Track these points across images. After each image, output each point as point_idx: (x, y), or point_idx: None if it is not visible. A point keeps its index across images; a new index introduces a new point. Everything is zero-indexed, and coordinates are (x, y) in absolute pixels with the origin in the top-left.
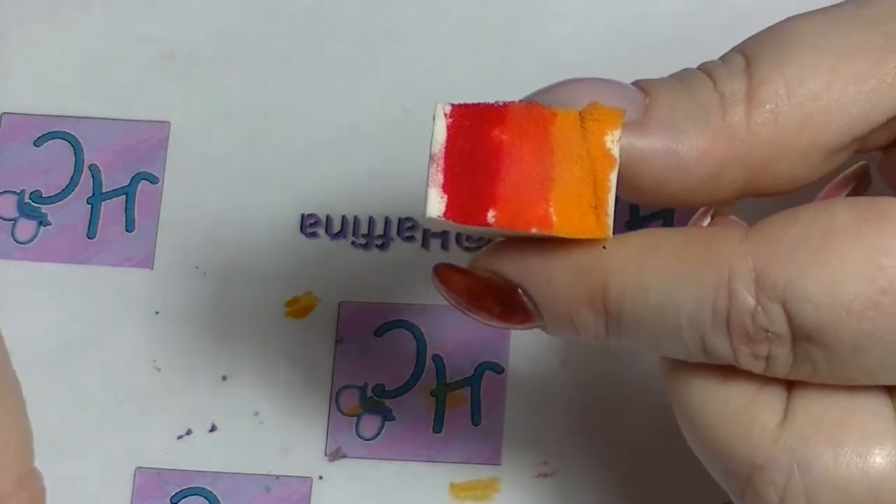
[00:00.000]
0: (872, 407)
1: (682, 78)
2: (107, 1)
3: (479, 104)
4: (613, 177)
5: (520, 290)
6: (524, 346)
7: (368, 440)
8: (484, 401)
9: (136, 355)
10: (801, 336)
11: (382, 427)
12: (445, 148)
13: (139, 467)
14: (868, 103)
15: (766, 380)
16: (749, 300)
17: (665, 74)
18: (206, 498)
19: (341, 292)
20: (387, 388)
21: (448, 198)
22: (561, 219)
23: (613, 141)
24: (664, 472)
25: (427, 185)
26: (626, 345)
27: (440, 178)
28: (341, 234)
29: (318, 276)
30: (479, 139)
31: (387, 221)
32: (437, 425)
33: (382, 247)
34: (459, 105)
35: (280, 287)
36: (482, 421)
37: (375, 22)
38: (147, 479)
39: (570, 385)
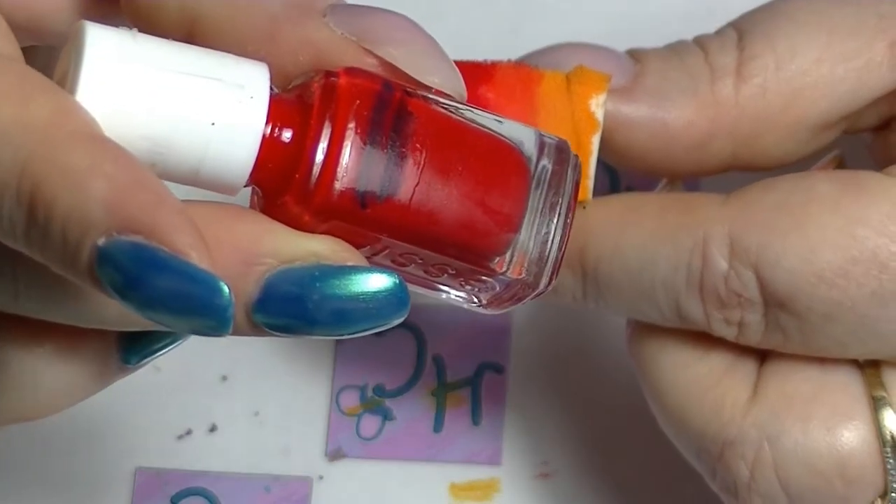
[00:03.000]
0: (843, 382)
1: (675, 49)
2: None
3: (467, 61)
4: (596, 140)
5: None
6: (524, 346)
7: (368, 440)
8: (484, 401)
9: None
10: (773, 303)
11: (382, 427)
12: None
13: (139, 467)
14: (857, 81)
15: (736, 356)
16: (722, 264)
17: None
18: (206, 498)
19: None
20: (387, 388)
21: None
22: None
23: (598, 105)
24: (664, 472)
25: None
26: (604, 308)
27: None
28: None
29: None
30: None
31: None
32: (438, 425)
33: None
34: None
35: None
36: (482, 421)
37: None
38: (147, 479)
39: (570, 385)
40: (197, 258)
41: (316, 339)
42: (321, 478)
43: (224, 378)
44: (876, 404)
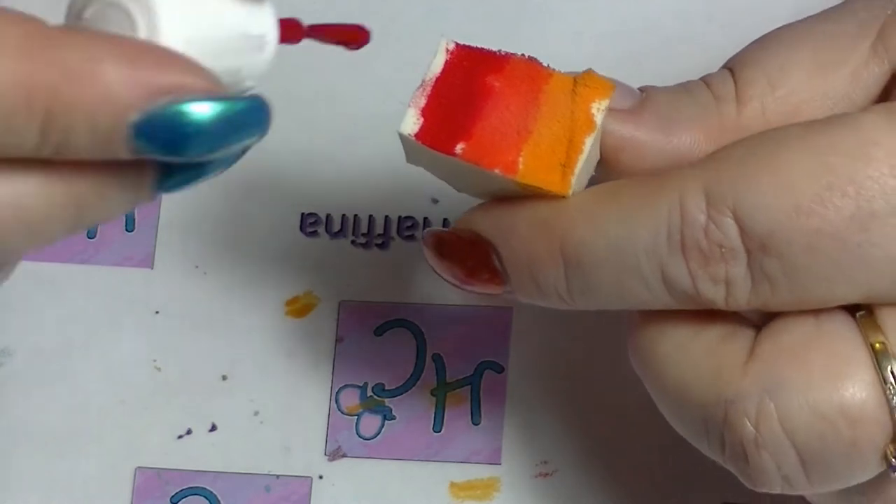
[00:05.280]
0: (838, 331)
1: (680, 84)
2: None
3: (482, 49)
4: (589, 141)
5: (491, 249)
6: (524, 346)
7: (368, 440)
8: (484, 400)
9: (136, 355)
10: (756, 248)
11: (382, 427)
12: (438, 78)
13: (139, 467)
14: (849, 86)
15: (732, 329)
16: (700, 217)
17: (664, 74)
18: (206, 498)
19: (341, 292)
20: (387, 388)
21: (424, 121)
22: (527, 168)
23: (599, 109)
24: (664, 472)
25: (409, 104)
26: (591, 299)
27: (422, 101)
28: (341, 233)
29: (318, 275)
30: (473, 80)
31: (387, 220)
32: (437, 425)
33: (382, 246)
34: (464, 45)
35: (280, 287)
36: (482, 420)
37: (375, 21)
38: (147, 479)
39: (570, 385)
40: (219, 89)
41: (316, 339)
42: (321, 477)
43: (224, 378)
44: (873, 348)
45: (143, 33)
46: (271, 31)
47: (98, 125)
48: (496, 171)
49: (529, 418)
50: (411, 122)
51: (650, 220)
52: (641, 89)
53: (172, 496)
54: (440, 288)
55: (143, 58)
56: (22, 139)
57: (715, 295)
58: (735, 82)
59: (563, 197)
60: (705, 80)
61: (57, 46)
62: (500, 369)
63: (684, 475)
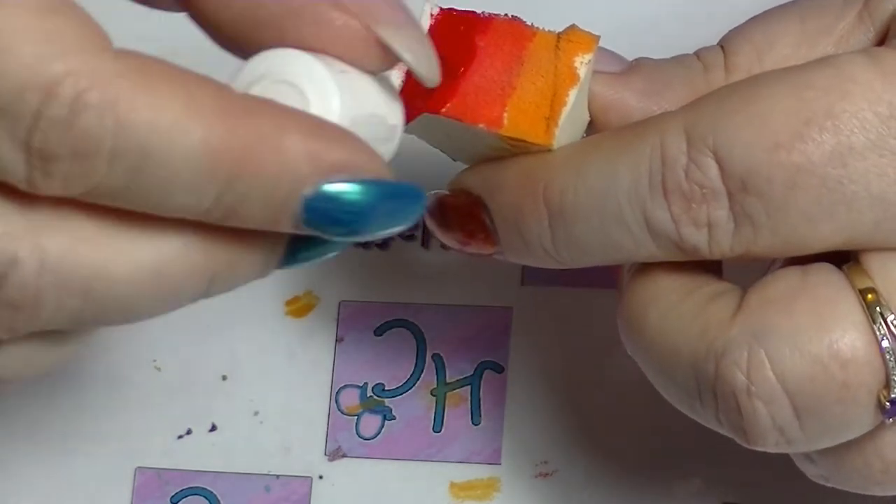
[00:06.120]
0: (825, 279)
1: (671, 57)
2: (107, 1)
3: (466, 11)
4: (573, 94)
5: (482, 207)
6: (524, 346)
7: (368, 440)
8: (484, 400)
9: (136, 355)
10: (737, 188)
11: (382, 427)
12: None
13: (139, 467)
14: (836, 53)
15: (720, 290)
16: (681, 157)
17: None
18: (206, 498)
19: (341, 292)
20: (387, 388)
21: (409, 83)
22: (511, 122)
23: (582, 63)
24: (664, 472)
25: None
26: (574, 252)
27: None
28: None
29: (318, 275)
30: (457, 42)
31: None
32: (437, 425)
33: (382, 246)
34: (447, 9)
35: (280, 287)
36: (482, 420)
37: None
38: (147, 479)
39: (570, 385)
40: (387, 173)
41: (316, 339)
42: (321, 477)
43: (224, 378)
44: (862, 294)
45: (315, 111)
46: (401, 124)
47: (273, 195)
48: (481, 125)
49: (529, 418)
50: (397, 85)
51: (631, 163)
52: (633, 61)
53: (172, 496)
54: (440, 288)
55: (322, 133)
56: (198, 200)
57: (698, 240)
58: (724, 54)
59: (548, 150)
60: (696, 53)
61: (249, 113)
62: (500, 369)
63: (684, 475)
